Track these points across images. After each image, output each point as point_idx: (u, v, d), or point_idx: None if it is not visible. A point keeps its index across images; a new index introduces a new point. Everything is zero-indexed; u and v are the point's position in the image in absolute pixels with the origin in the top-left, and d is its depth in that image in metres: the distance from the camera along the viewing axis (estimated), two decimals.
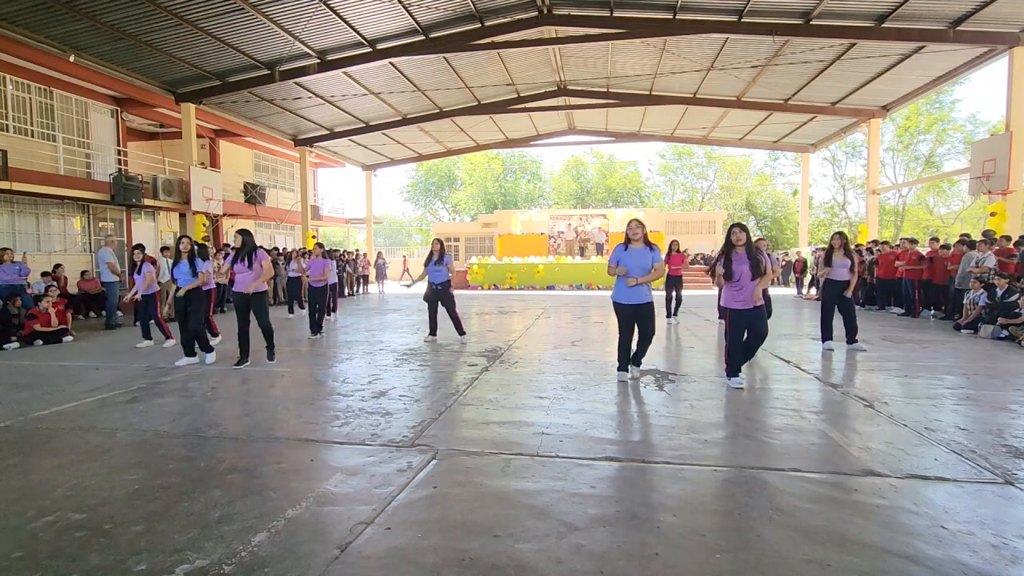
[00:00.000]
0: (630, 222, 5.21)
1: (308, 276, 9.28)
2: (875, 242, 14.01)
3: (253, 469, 3.23)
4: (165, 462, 3.36)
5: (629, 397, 4.84)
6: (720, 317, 10.38)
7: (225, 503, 2.77)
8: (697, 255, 26.07)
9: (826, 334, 7.11)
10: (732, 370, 5.15)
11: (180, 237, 6.75)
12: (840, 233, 7.17)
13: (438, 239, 8.14)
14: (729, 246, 5.04)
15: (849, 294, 6.96)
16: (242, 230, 6.19)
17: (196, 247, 6.83)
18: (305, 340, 8.41)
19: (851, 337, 7.08)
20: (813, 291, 17.27)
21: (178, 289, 6.53)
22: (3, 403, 4.83)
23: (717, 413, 4.30)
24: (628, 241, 5.19)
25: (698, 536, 2.43)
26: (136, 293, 7.77)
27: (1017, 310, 7.84)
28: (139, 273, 7.74)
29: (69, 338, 8.51)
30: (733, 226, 5.08)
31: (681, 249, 10.65)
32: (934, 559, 2.25)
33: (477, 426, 4.04)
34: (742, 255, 4.99)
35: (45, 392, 5.22)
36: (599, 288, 20.72)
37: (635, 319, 5.21)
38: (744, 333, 5.08)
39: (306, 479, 3.08)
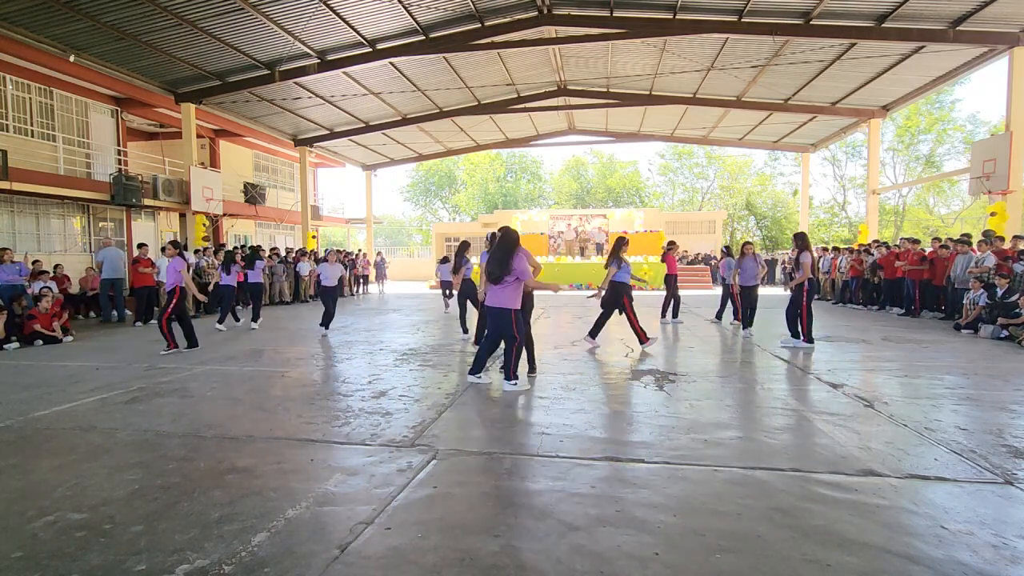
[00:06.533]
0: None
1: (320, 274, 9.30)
2: (876, 242, 13.99)
3: (253, 469, 3.23)
4: (165, 462, 3.36)
5: (629, 397, 4.85)
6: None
7: (225, 503, 2.77)
8: (697, 255, 26.08)
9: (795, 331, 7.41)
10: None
11: (235, 247, 6.98)
12: (748, 242, 7.95)
13: (466, 241, 8.34)
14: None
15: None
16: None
17: (249, 251, 7.14)
18: (318, 337, 8.55)
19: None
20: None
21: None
22: (3, 403, 4.83)
23: (717, 413, 4.30)
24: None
25: (698, 536, 2.43)
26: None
27: (1017, 310, 7.84)
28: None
29: (69, 338, 8.51)
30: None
31: (667, 247, 10.41)
32: (934, 559, 2.24)
33: (477, 426, 4.04)
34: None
35: (45, 392, 5.22)
36: (599, 288, 20.68)
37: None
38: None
39: (306, 479, 3.08)
